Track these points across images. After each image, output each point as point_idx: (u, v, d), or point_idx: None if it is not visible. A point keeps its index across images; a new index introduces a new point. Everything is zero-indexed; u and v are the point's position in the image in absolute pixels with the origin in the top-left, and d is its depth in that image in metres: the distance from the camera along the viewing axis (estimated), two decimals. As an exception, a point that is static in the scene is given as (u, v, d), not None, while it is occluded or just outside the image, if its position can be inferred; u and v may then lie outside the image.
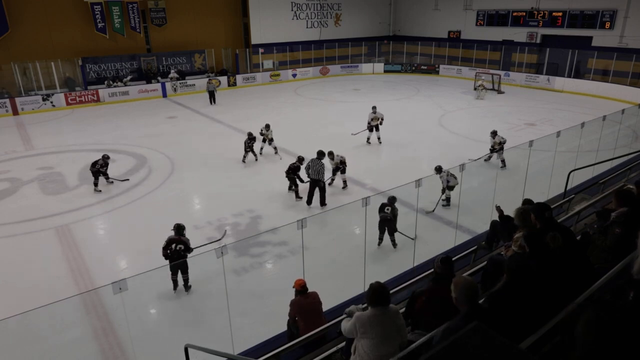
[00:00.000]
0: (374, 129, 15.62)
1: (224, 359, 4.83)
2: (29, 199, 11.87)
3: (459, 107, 21.43)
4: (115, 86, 24.12)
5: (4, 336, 5.81)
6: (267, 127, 14.63)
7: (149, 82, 25.16)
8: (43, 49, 22.78)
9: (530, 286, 3.39)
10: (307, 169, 10.96)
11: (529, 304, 3.23)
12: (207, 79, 25.14)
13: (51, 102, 22.14)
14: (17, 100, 21.36)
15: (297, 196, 11.35)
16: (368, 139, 15.77)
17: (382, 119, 15.56)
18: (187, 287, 7.74)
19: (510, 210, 6.78)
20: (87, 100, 23.03)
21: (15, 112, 21.20)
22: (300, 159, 11.51)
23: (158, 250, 8.86)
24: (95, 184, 12.09)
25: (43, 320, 6.99)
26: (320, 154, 11.00)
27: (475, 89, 23.73)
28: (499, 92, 24.54)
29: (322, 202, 10.99)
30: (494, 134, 13.27)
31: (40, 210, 11.11)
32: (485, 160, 13.31)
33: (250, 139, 13.99)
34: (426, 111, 20.77)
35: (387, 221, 8.66)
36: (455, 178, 10.22)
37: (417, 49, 32.46)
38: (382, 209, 8.70)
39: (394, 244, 8.88)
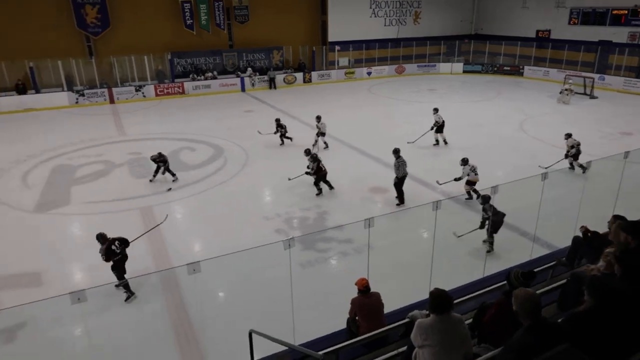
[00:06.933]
0: (437, 130, 15.37)
1: (285, 347, 4.94)
2: (120, 180, 12.91)
3: (544, 112, 20.16)
4: (198, 79, 25.48)
5: (92, 303, 6.31)
6: (318, 118, 14.87)
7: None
8: (138, 44, 24.52)
9: (619, 310, 3.13)
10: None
11: (618, 330, 2.99)
12: (272, 69, 27.52)
13: (142, 93, 23.89)
14: (114, 90, 23.34)
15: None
16: (437, 140, 15.55)
17: (436, 122, 15.19)
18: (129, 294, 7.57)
19: (596, 227, 6.29)
20: (173, 92, 24.56)
21: (112, 101, 23.20)
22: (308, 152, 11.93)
23: (229, 237, 9.33)
24: (155, 175, 12.47)
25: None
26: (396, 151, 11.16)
27: (561, 92, 22.08)
28: (591, 96, 22.75)
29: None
30: (568, 136, 12.76)
31: (128, 191, 12.05)
32: (569, 168, 12.62)
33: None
34: (507, 115, 19.76)
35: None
36: (476, 174, 10.61)
37: (500, 48, 30.91)
38: (495, 209, 8.32)
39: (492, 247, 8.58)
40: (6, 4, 21.75)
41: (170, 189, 12.22)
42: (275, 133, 15.67)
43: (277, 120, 15.75)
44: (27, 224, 10.46)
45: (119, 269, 7.63)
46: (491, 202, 8.35)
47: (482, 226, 8.64)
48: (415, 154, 13.23)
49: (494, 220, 8.40)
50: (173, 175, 12.58)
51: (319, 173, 11.52)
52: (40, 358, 6.57)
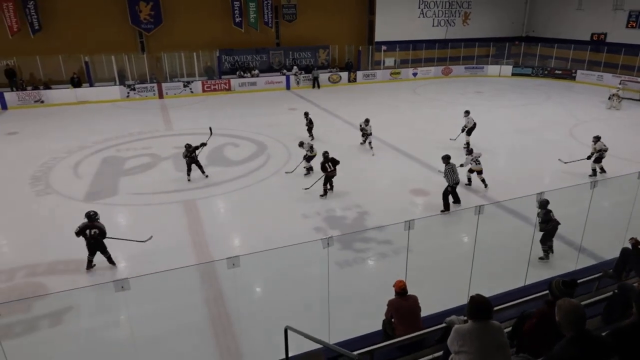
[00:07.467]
0: (468, 133, 15.17)
1: (320, 345, 5.00)
2: (165, 173, 13.37)
3: (596, 118, 19.30)
4: (245, 77, 25.98)
5: (135, 291, 6.63)
6: (367, 121, 14.83)
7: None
8: (188, 41, 25.27)
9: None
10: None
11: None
12: (316, 69, 27.51)
13: (190, 89, 24.62)
14: (163, 85, 24.18)
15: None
16: (467, 143, 15.13)
17: (465, 126, 15.05)
18: (111, 262, 8.47)
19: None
20: (220, 88, 25.16)
21: (161, 95, 24.04)
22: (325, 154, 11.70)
23: (268, 233, 9.45)
24: (188, 173, 12.58)
25: (166, 282, 7.85)
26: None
27: (609, 98, 21.08)
28: (648, 103, 21.61)
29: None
30: (596, 139, 12.48)
31: (173, 184, 12.46)
32: (600, 172, 12.60)
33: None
34: (556, 120, 19.06)
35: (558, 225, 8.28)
36: (478, 164, 11.47)
37: (552, 51, 29.70)
38: (548, 215, 8.21)
39: (552, 251, 8.50)
40: (65, 0, 22.95)
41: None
42: (310, 128, 16.10)
43: (306, 114, 16.19)
44: (76, 213, 10.79)
45: (88, 248, 8.27)
46: (540, 211, 8.14)
47: (540, 229, 8.50)
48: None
49: (543, 227, 8.21)
50: (203, 171, 12.73)
51: (325, 172, 11.43)
52: (82, 342, 6.87)
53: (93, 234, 8.17)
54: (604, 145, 12.33)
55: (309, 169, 12.90)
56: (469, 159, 11.66)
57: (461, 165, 11.47)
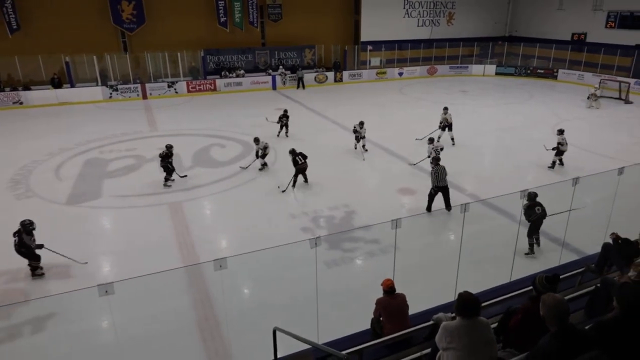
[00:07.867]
0: (447, 129, 15.43)
1: (308, 346, 5.00)
2: (150, 175, 13.15)
3: (577, 116, 19.64)
4: (230, 77, 25.81)
5: (119, 296, 6.58)
6: (361, 124, 14.80)
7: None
8: (172, 41, 25.01)
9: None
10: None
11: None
12: (300, 69, 27.29)
13: (174, 89, 24.38)
14: (147, 86, 23.88)
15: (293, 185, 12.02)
16: (439, 137, 15.27)
17: (446, 121, 15.43)
18: (33, 273, 8.20)
19: (628, 235, 6.14)
20: (205, 88, 24.98)
21: (145, 96, 23.75)
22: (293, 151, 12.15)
23: (255, 234, 9.41)
24: (166, 179, 12.24)
25: (151, 286, 7.74)
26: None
27: (588, 97, 21.53)
28: (626, 101, 22.06)
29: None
30: (559, 132, 13.08)
31: (158, 186, 12.30)
32: (549, 167, 13.19)
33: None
34: (539, 118, 19.35)
35: (542, 219, 8.43)
36: (438, 154, 11.53)
37: (534, 51, 30.17)
38: (532, 209, 8.35)
39: (539, 244, 8.67)
40: (45, -1, 22.52)
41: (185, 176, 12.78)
42: (278, 122, 16.50)
43: (285, 111, 16.63)
44: (59, 217, 10.64)
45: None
46: (525, 203, 8.29)
47: (526, 218, 8.65)
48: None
49: (527, 219, 8.35)
50: (168, 178, 12.30)
51: (296, 165, 11.85)
52: (66, 349, 6.73)
53: (15, 242, 8.00)
54: (563, 140, 12.86)
55: (264, 165, 13.40)
56: (431, 148, 12.18)
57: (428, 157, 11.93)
